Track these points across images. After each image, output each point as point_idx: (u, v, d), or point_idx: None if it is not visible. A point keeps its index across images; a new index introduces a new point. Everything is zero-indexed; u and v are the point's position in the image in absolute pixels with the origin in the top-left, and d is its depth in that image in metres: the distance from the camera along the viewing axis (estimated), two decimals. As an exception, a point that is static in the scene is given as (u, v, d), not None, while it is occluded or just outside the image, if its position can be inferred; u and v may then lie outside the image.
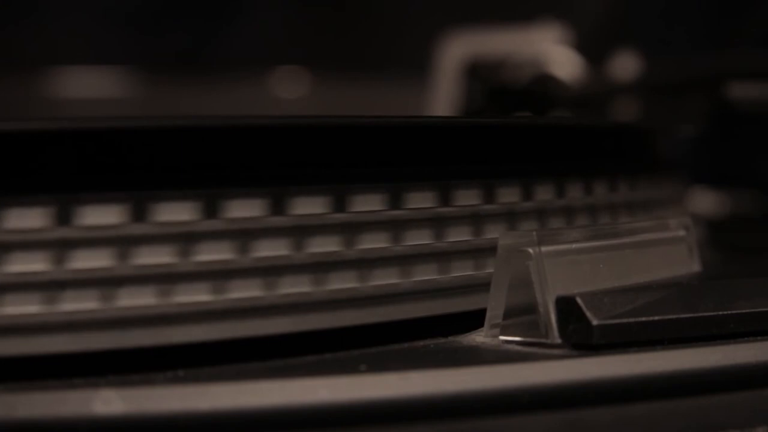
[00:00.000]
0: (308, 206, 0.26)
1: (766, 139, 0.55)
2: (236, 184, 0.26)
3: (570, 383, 0.25)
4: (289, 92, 0.69)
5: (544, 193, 0.30)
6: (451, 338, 0.28)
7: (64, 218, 0.24)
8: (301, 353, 0.26)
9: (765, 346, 0.27)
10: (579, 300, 0.26)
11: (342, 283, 0.27)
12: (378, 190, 0.27)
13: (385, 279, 0.27)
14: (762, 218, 0.50)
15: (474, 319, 0.28)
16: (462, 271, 0.29)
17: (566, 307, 0.26)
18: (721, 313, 0.28)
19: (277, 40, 0.72)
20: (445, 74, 0.55)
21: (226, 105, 0.65)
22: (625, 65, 0.51)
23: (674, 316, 0.27)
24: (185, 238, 0.25)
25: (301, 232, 0.26)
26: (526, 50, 0.54)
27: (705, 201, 0.52)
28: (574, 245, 0.28)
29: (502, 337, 0.28)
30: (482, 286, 0.29)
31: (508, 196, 0.30)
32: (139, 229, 0.25)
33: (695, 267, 0.31)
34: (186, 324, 0.25)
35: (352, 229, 0.27)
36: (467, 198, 0.29)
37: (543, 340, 0.27)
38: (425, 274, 0.28)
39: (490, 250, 0.29)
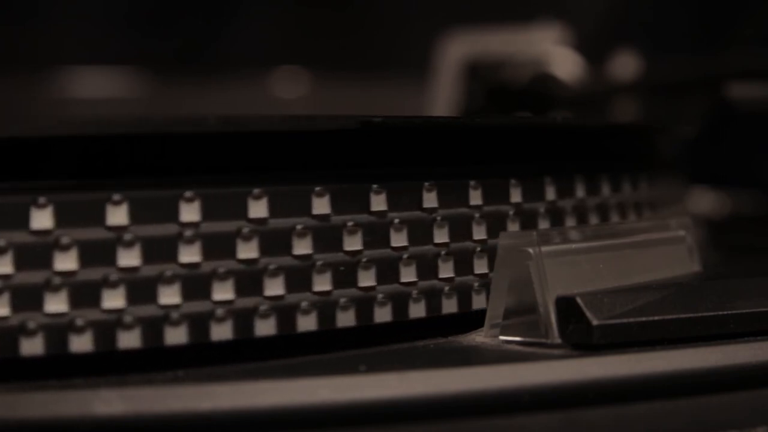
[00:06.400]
0: (322, 207, 0.27)
1: (766, 139, 0.55)
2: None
3: (570, 383, 0.25)
4: (289, 92, 0.69)
5: (544, 194, 0.30)
6: (451, 338, 0.28)
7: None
8: (301, 353, 0.26)
9: (765, 346, 0.27)
10: (579, 300, 0.26)
11: (343, 284, 0.27)
12: (377, 192, 0.27)
13: (385, 280, 0.28)
14: (762, 218, 0.50)
15: (474, 319, 0.28)
16: (462, 271, 0.29)
17: (566, 307, 0.26)
18: (721, 313, 0.28)
19: (277, 40, 0.72)
20: (445, 74, 0.55)
21: (226, 105, 0.65)
22: (625, 65, 0.51)
23: (674, 316, 0.27)
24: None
25: (310, 233, 0.27)
26: (526, 50, 0.54)
27: (705, 201, 0.52)
28: (574, 245, 0.28)
29: (502, 337, 0.28)
30: (482, 287, 0.29)
31: (508, 196, 0.30)
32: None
33: (695, 267, 0.31)
34: (183, 326, 0.25)
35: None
36: (466, 198, 0.29)
37: (543, 340, 0.27)
38: (425, 275, 0.28)
39: (490, 250, 0.29)
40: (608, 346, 0.26)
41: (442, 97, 0.55)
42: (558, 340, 0.27)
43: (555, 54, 0.54)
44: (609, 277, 0.28)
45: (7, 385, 0.23)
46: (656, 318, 0.27)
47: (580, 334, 0.26)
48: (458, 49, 0.55)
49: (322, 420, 0.24)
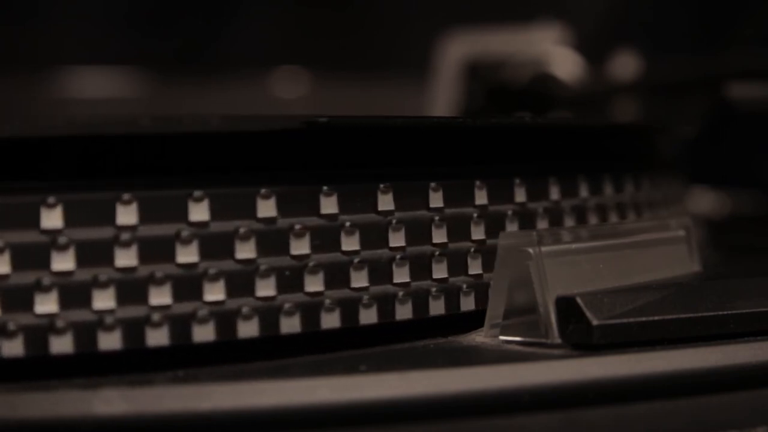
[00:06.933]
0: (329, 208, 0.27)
1: (766, 139, 0.55)
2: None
3: (570, 383, 0.25)
4: (289, 92, 0.69)
5: (545, 194, 0.30)
6: (451, 338, 0.28)
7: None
8: (301, 353, 0.26)
9: (765, 346, 0.27)
10: (579, 300, 0.26)
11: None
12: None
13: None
14: (762, 218, 0.50)
15: (474, 319, 0.28)
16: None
17: (566, 307, 0.26)
18: (721, 313, 0.28)
19: (277, 40, 0.72)
20: (445, 74, 0.55)
21: (226, 105, 0.65)
22: (625, 65, 0.51)
23: (674, 316, 0.27)
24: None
25: (311, 236, 0.26)
26: (526, 50, 0.54)
27: (705, 201, 0.52)
28: (574, 245, 0.28)
29: (502, 337, 0.28)
30: (482, 286, 0.29)
31: (508, 196, 0.30)
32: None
33: (695, 267, 0.31)
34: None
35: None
36: (467, 198, 0.29)
37: (543, 340, 0.27)
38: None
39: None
40: (608, 346, 0.26)
41: (442, 97, 0.55)
42: (558, 340, 0.27)
43: (555, 54, 0.54)
44: (609, 277, 0.28)
45: (7, 385, 0.23)
46: (656, 318, 0.27)
47: (580, 334, 0.26)
48: (458, 49, 0.55)
49: (322, 420, 0.24)
